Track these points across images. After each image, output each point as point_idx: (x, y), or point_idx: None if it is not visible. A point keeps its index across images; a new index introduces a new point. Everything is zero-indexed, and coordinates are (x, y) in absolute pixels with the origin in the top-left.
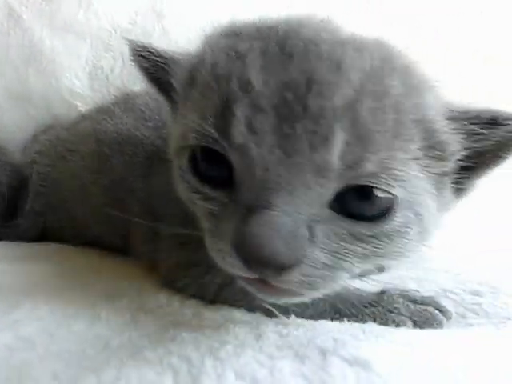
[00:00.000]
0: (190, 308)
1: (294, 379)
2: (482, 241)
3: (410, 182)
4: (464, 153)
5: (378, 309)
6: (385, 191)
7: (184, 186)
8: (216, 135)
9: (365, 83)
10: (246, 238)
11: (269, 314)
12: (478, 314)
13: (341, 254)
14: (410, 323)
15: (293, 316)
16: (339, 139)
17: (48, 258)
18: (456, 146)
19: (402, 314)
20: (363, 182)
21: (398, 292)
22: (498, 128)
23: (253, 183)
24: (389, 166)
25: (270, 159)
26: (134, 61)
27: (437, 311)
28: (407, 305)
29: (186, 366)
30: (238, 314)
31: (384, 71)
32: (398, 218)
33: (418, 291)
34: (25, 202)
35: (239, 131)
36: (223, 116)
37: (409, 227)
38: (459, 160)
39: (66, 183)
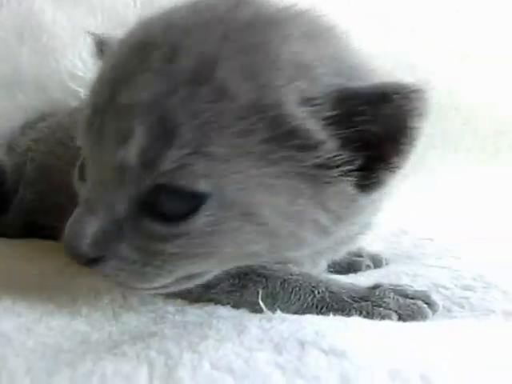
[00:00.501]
0: (173, 306)
1: (268, 367)
2: (482, 233)
3: (232, 177)
4: (342, 140)
5: (367, 303)
6: (185, 189)
7: None
8: None
9: (188, 71)
10: (64, 232)
11: (254, 310)
12: (463, 308)
13: (149, 252)
14: (394, 316)
15: (278, 311)
16: (139, 137)
17: (30, 255)
18: (323, 133)
19: (389, 308)
20: (163, 180)
21: (391, 287)
22: (384, 106)
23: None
24: (192, 162)
25: (89, 157)
26: (98, 58)
27: (425, 305)
28: (397, 299)
29: (163, 359)
30: (223, 310)
31: (218, 54)
32: (207, 217)
33: (411, 286)
34: (11, 197)
35: (81, 130)
36: None
37: (224, 226)
38: (352, 149)
39: (64, 170)
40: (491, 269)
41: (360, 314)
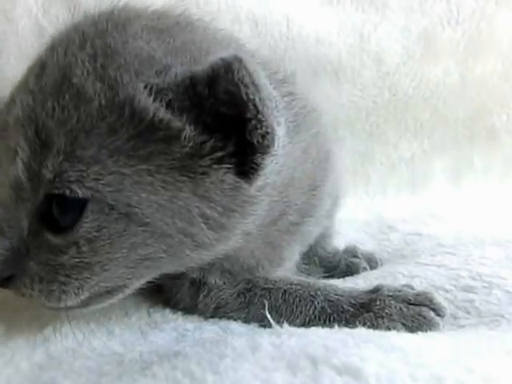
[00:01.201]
0: (191, 322)
1: None
2: (475, 231)
3: (107, 179)
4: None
5: (370, 314)
6: (67, 196)
7: None
8: None
9: (52, 83)
10: None
11: (263, 324)
12: (469, 313)
13: (52, 267)
14: (400, 327)
15: (285, 325)
16: (22, 152)
17: None
18: (179, 122)
19: (393, 320)
20: (48, 190)
21: (390, 293)
22: (217, 85)
23: None
24: (66, 168)
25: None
26: None
27: (431, 312)
28: (400, 308)
29: (189, 381)
30: (236, 326)
31: (73, 63)
32: (90, 223)
33: (411, 287)
34: None
35: None
36: None
37: (109, 230)
38: (219, 137)
39: None
40: (488, 266)
41: (364, 325)
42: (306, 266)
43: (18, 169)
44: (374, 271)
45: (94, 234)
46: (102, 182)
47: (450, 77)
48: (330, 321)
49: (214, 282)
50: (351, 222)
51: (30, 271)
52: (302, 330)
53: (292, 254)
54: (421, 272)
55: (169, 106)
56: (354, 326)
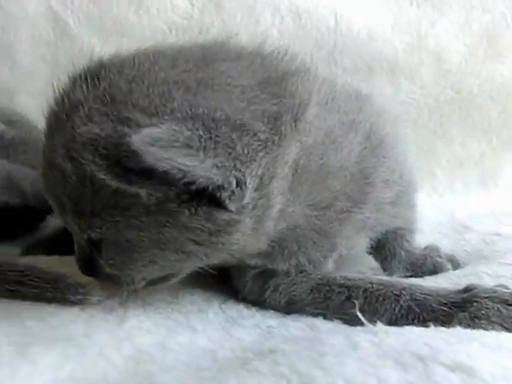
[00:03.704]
0: (270, 318)
1: None
2: None
3: (106, 226)
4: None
5: (465, 315)
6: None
7: None
8: None
9: (47, 157)
10: None
11: (346, 321)
12: None
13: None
14: (498, 328)
15: (379, 323)
16: (68, 207)
17: None
18: (132, 188)
19: (492, 321)
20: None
21: (486, 294)
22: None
23: None
24: (78, 221)
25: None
26: None
27: None
28: (498, 308)
29: (297, 376)
30: (319, 323)
31: (55, 145)
32: (106, 253)
33: (505, 287)
34: None
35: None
36: None
37: (120, 255)
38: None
39: None
40: None
41: (459, 325)
42: (388, 264)
43: (68, 217)
44: (455, 271)
45: (111, 261)
46: (103, 228)
47: None
48: (418, 320)
49: (282, 276)
50: (423, 221)
51: (99, 265)
52: (396, 329)
53: (348, 241)
54: (507, 272)
55: (123, 174)
56: (449, 325)
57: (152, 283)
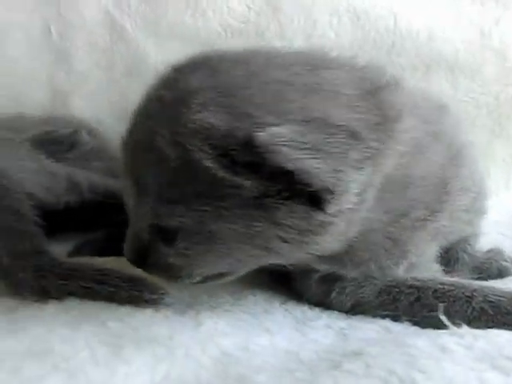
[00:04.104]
0: (340, 320)
1: None
2: None
3: (190, 214)
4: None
5: None
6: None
7: None
8: None
9: (141, 144)
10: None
11: (416, 323)
12: None
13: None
14: None
15: (464, 326)
16: (150, 192)
17: None
18: (240, 179)
19: None
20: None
21: None
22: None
23: None
24: (159, 207)
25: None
26: None
27: None
28: None
29: (396, 379)
30: (390, 325)
31: (155, 130)
32: (181, 243)
33: None
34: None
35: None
36: None
37: (196, 247)
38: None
39: None
40: None
41: None
42: (451, 268)
43: (146, 209)
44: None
45: (185, 251)
46: (185, 216)
47: None
48: (493, 322)
49: (348, 279)
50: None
51: (156, 253)
52: (483, 332)
53: (419, 250)
54: None
55: (230, 165)
56: None
57: (206, 279)
